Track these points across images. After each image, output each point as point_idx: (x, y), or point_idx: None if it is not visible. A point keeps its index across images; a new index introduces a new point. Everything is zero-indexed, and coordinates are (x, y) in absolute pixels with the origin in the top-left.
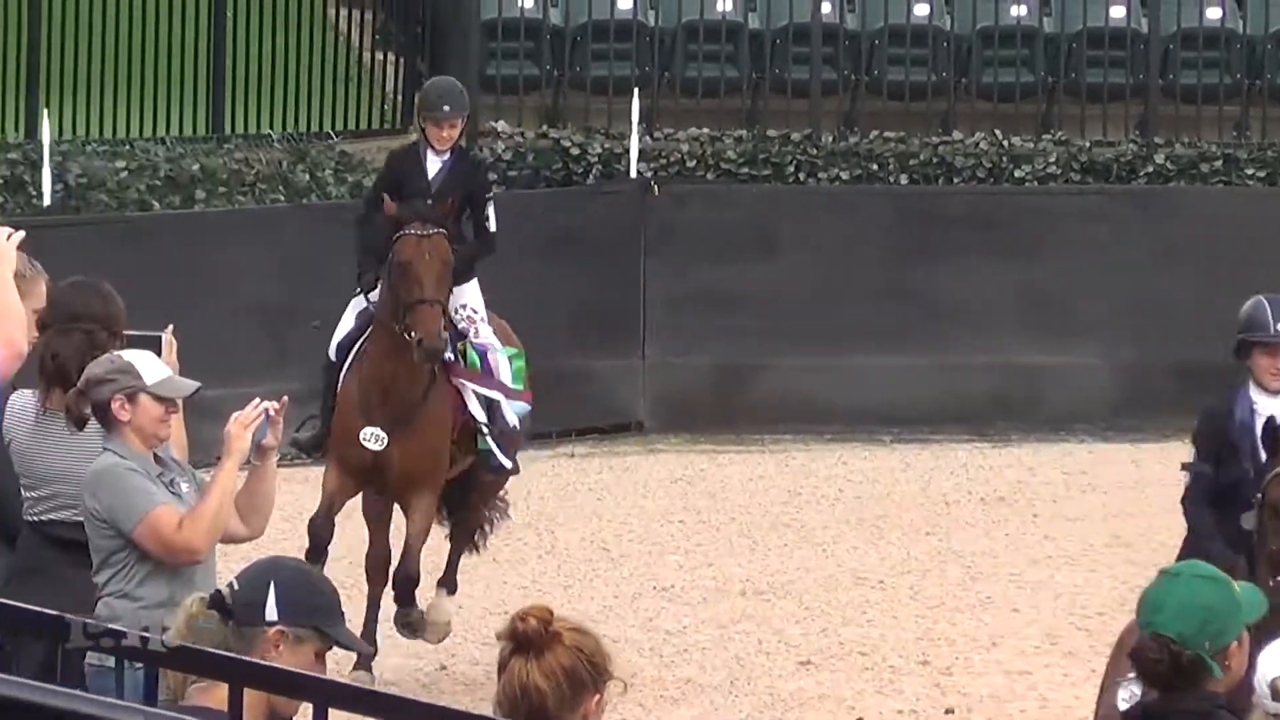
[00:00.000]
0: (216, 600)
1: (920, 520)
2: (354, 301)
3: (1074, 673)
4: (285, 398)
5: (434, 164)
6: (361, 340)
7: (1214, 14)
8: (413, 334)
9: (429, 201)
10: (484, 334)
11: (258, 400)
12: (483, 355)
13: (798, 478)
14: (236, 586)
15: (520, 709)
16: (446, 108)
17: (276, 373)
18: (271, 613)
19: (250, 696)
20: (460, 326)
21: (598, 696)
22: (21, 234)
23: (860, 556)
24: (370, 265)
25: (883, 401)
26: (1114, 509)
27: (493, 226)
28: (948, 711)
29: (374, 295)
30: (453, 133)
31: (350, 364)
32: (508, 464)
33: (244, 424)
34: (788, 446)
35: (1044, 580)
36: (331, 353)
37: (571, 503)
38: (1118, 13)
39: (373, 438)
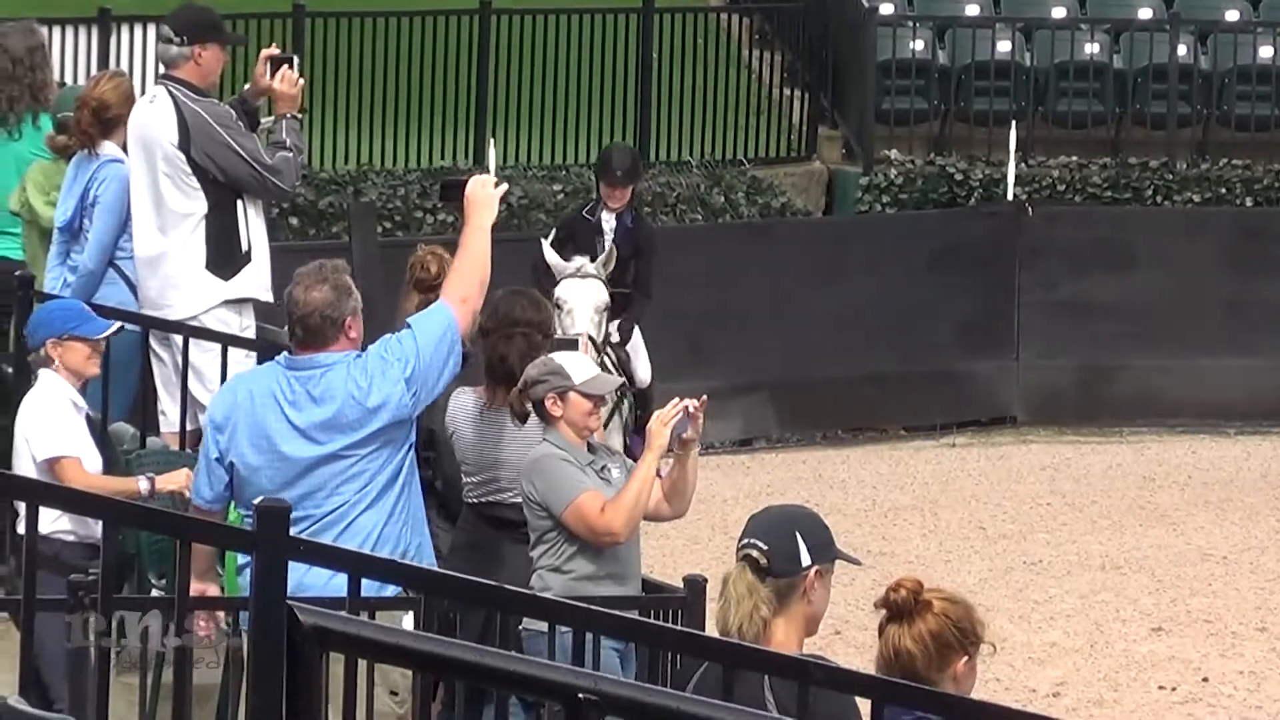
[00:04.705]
0: (754, 565)
1: (1260, 503)
2: None
3: None
4: (705, 396)
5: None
6: None
7: None
8: None
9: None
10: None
11: (678, 399)
12: None
13: (1151, 465)
14: (765, 546)
15: (894, 669)
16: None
17: (695, 371)
18: (805, 558)
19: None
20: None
21: (965, 658)
22: (505, 187)
23: (1206, 535)
24: None
25: (1227, 398)
26: None
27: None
28: None
29: None
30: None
31: None
32: None
33: (664, 421)
34: (1143, 438)
35: None
36: None
37: (952, 487)
38: None
39: None
